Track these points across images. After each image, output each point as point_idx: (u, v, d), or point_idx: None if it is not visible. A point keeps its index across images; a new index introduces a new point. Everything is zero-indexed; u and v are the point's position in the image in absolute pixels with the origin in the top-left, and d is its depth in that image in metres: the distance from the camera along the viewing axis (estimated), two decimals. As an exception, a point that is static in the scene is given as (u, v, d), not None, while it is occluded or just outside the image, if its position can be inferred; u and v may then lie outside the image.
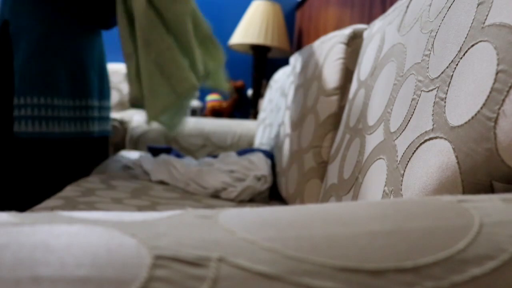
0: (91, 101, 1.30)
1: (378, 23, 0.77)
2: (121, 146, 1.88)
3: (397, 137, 0.49)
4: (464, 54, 0.40)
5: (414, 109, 0.47)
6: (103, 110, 1.38)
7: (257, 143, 1.62)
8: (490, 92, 0.34)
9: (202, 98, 2.56)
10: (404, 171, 0.45)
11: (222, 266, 0.20)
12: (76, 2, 1.20)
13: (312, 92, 0.95)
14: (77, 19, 1.24)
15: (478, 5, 0.40)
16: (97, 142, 1.36)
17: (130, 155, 1.47)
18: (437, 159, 0.39)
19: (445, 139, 0.39)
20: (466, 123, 0.37)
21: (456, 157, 0.37)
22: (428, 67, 0.47)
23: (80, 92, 1.26)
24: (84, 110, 1.28)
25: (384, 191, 0.49)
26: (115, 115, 1.91)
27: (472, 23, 0.40)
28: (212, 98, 2.46)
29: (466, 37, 0.41)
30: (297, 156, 0.96)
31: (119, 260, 0.20)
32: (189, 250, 0.20)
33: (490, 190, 0.35)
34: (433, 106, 0.43)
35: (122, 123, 1.90)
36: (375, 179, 0.53)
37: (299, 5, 2.50)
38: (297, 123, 1.01)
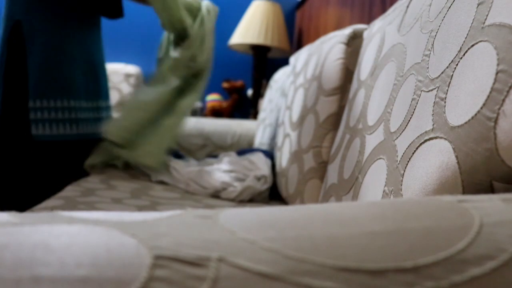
0: (102, 102, 1.31)
1: (378, 23, 0.77)
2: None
3: (397, 137, 0.49)
4: (464, 54, 0.40)
5: (414, 109, 0.47)
6: (108, 110, 1.38)
7: (257, 143, 1.62)
8: (490, 92, 0.34)
9: (202, 98, 2.56)
10: (404, 171, 0.45)
11: (222, 266, 0.20)
12: None
13: (312, 92, 0.95)
14: (87, 11, 1.22)
15: (478, 5, 0.40)
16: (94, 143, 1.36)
17: (130, 155, 1.46)
18: (437, 159, 0.39)
19: (445, 139, 0.39)
20: (466, 123, 0.37)
21: (456, 157, 0.37)
22: (428, 67, 0.47)
23: (93, 92, 1.26)
24: (97, 111, 1.28)
25: (384, 191, 0.49)
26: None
27: (472, 23, 0.40)
28: (212, 98, 2.46)
29: (466, 37, 0.41)
30: (297, 156, 0.96)
31: (119, 260, 0.20)
32: (189, 250, 0.20)
33: (490, 190, 0.35)
34: (433, 106, 0.43)
35: (122, 123, 1.89)
36: (375, 179, 0.53)
37: (299, 5, 2.50)
38: (297, 123, 1.01)
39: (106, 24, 2.46)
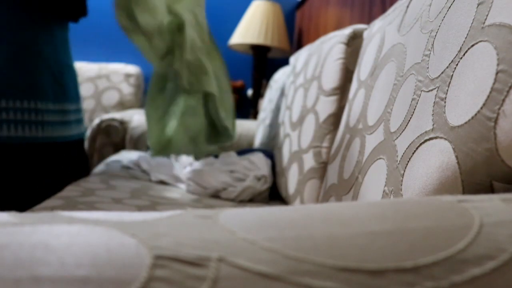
0: (68, 105, 1.26)
1: (378, 23, 0.77)
2: (121, 146, 1.88)
3: (397, 137, 0.49)
4: (464, 54, 0.40)
5: (414, 109, 0.47)
6: (78, 113, 1.34)
7: (257, 143, 1.62)
8: (490, 92, 0.34)
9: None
10: (404, 171, 0.45)
11: (222, 266, 0.20)
12: None
13: (312, 92, 0.95)
14: (52, 11, 1.19)
15: (478, 5, 0.40)
16: (74, 145, 1.32)
17: (130, 155, 1.47)
18: (437, 159, 0.39)
19: (445, 139, 0.39)
20: (466, 123, 0.37)
21: (456, 157, 0.37)
22: (428, 67, 0.47)
23: (60, 94, 1.22)
24: (63, 113, 1.24)
25: (384, 191, 0.49)
26: (115, 115, 1.92)
27: (472, 23, 0.40)
28: (212, 98, 2.46)
29: (466, 37, 0.41)
30: (297, 156, 0.96)
31: (119, 260, 0.20)
32: (189, 250, 0.20)
33: (490, 190, 0.35)
34: (433, 106, 0.43)
35: (122, 123, 1.90)
36: (375, 179, 0.53)
37: (299, 5, 2.50)
38: (297, 123, 1.00)
39: (107, 24, 2.46)
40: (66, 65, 1.25)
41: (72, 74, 1.28)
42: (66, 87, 1.24)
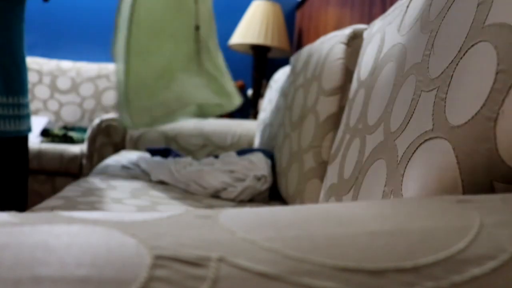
0: (22, 99, 1.17)
1: (378, 23, 0.77)
2: (121, 146, 1.88)
3: (397, 137, 0.49)
4: (464, 54, 0.40)
5: (414, 109, 0.47)
6: (27, 107, 1.28)
7: (257, 143, 1.62)
8: (490, 92, 0.34)
9: (202, 98, 2.56)
10: (404, 171, 0.45)
11: (222, 266, 0.20)
12: None
13: (312, 92, 0.95)
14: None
15: (478, 5, 0.40)
16: (15, 141, 1.26)
17: (130, 155, 1.47)
18: (437, 159, 0.39)
19: (445, 139, 0.39)
20: (466, 123, 0.37)
21: (456, 157, 0.37)
22: (428, 67, 0.47)
23: (14, 88, 1.13)
24: (18, 107, 1.15)
25: (384, 191, 0.49)
26: (115, 115, 1.92)
27: (472, 23, 0.40)
28: (212, 98, 2.46)
29: (466, 37, 0.41)
30: (297, 156, 0.96)
31: (119, 260, 0.20)
32: (189, 250, 0.20)
33: (490, 190, 0.35)
34: (433, 106, 0.43)
35: (122, 123, 1.89)
36: (375, 179, 0.53)
37: (299, 5, 2.50)
38: (297, 123, 1.00)
39: (106, 24, 2.46)
40: (20, 57, 1.20)
41: (25, 67, 1.25)
42: (20, 80, 1.19)
